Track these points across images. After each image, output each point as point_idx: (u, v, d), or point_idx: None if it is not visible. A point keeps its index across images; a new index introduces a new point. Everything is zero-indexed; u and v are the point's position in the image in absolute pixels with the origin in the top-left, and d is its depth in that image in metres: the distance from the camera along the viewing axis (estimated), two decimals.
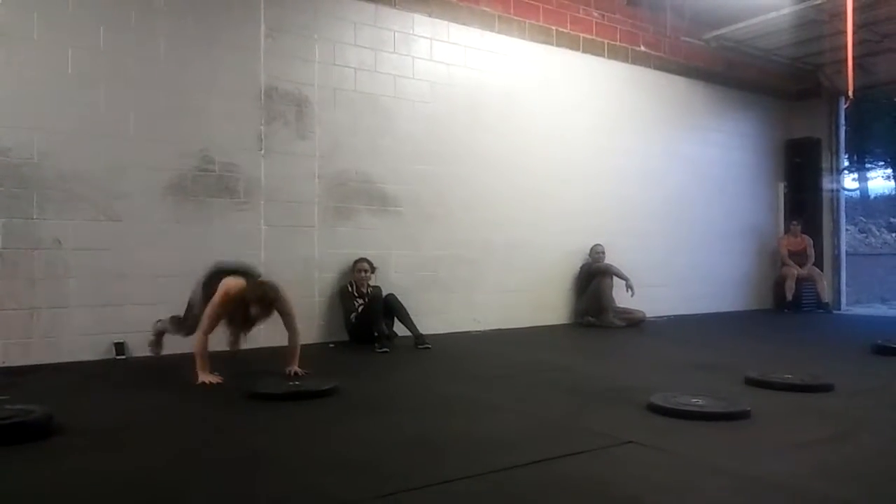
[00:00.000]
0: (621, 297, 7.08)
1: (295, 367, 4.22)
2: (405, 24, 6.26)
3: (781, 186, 9.58)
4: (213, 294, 4.03)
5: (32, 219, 4.63)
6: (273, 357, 4.48)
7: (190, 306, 4.35)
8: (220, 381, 3.95)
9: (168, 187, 5.10)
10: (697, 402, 3.28)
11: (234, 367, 4.22)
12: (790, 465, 2.54)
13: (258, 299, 3.97)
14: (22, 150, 4.60)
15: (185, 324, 4.40)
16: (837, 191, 9.56)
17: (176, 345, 4.86)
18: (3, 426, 2.74)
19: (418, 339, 5.49)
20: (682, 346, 5.94)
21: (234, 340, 4.55)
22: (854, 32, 5.86)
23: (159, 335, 4.72)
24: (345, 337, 5.70)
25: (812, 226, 9.30)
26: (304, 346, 4.47)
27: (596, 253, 7.24)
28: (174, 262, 5.04)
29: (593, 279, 7.10)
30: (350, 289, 5.72)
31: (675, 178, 8.24)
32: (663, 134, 8.17)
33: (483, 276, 6.66)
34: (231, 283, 4.04)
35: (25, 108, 4.62)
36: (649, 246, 7.84)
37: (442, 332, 6.10)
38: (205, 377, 3.94)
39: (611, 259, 7.23)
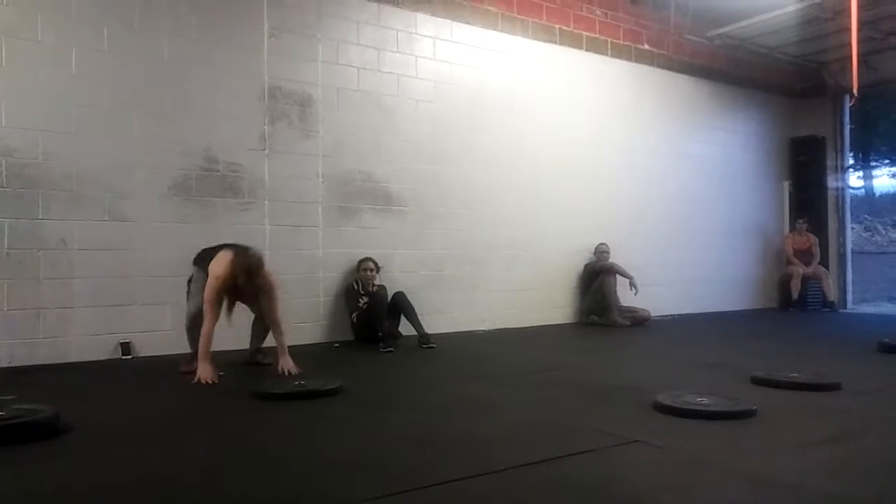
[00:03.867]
0: (626, 296, 7.07)
1: (288, 364, 4.20)
2: (408, 24, 6.26)
3: (786, 185, 9.55)
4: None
5: (38, 219, 4.64)
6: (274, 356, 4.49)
7: (190, 293, 4.38)
8: (216, 380, 3.93)
9: (172, 187, 5.11)
10: (703, 401, 3.27)
11: (238, 367, 4.22)
12: (797, 464, 2.53)
13: (243, 269, 4.02)
14: (27, 150, 4.61)
15: (195, 313, 4.26)
16: (843, 189, 9.54)
17: (181, 345, 4.88)
18: (11, 426, 2.75)
19: (423, 338, 5.49)
20: (688, 344, 5.93)
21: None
22: (858, 30, 5.84)
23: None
24: (350, 336, 5.71)
25: (817, 224, 9.27)
26: (310, 346, 4.51)
27: (600, 252, 7.23)
28: (179, 262, 5.03)
29: (597, 278, 7.10)
30: (355, 287, 5.72)
31: (679, 176, 8.23)
32: (667, 132, 8.15)
33: (487, 275, 6.66)
34: (220, 260, 4.09)
35: (30, 109, 4.64)
36: (654, 245, 7.83)
37: (446, 331, 6.11)
38: (205, 372, 3.91)
39: (616, 258, 7.22)
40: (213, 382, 3.91)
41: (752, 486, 2.30)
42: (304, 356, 4.54)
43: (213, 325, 4.03)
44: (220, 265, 4.08)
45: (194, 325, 4.20)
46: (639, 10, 7.85)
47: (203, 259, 4.29)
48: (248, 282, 4.07)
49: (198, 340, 4.07)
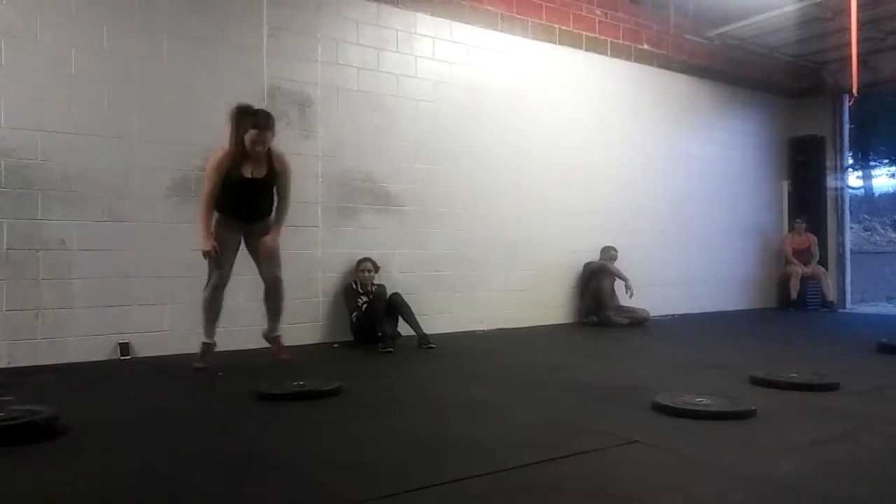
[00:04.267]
0: (625, 297, 7.07)
1: (273, 241, 4.41)
2: (408, 23, 6.26)
3: (785, 185, 9.55)
4: None
5: (37, 219, 4.64)
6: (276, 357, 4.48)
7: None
8: (216, 250, 4.19)
9: (172, 187, 5.11)
10: (702, 402, 3.27)
11: (238, 368, 4.22)
12: (796, 464, 2.53)
13: (251, 143, 4.15)
14: (26, 150, 4.60)
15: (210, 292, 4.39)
16: (842, 189, 9.54)
17: (180, 345, 4.88)
18: (10, 427, 2.75)
19: (422, 338, 5.49)
20: (687, 345, 5.93)
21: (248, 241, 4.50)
22: (858, 30, 5.84)
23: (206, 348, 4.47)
24: (349, 337, 5.71)
25: (816, 224, 9.27)
26: (309, 346, 4.49)
27: (606, 254, 7.21)
28: (178, 263, 5.05)
29: (592, 278, 7.10)
30: (354, 287, 5.72)
31: (678, 176, 8.23)
32: (666, 132, 8.15)
33: (487, 275, 6.65)
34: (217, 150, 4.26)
35: (29, 109, 4.63)
36: (653, 244, 7.83)
37: (446, 331, 6.10)
38: (206, 243, 4.15)
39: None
40: (215, 252, 4.16)
41: (751, 487, 2.30)
42: (303, 357, 4.54)
43: (208, 204, 4.24)
44: (218, 152, 4.29)
45: (209, 306, 4.35)
46: (638, 10, 7.85)
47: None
48: (260, 140, 4.18)
49: (211, 322, 4.34)
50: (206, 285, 4.36)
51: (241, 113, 4.19)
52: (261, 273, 4.53)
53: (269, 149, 4.28)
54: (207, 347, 4.41)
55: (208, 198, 4.24)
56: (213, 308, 4.38)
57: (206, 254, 4.23)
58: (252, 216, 4.42)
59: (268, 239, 4.39)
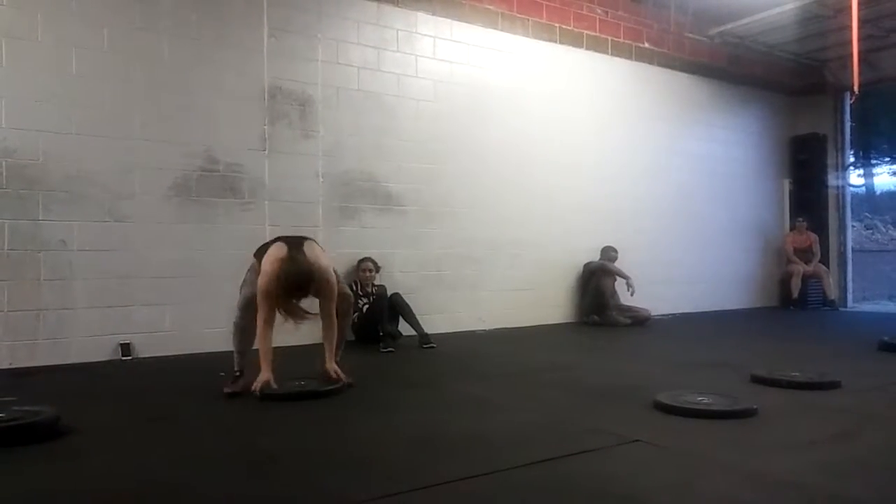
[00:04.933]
0: (626, 296, 7.07)
1: (331, 366, 3.79)
2: (408, 23, 6.26)
3: (787, 183, 9.54)
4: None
5: (38, 220, 4.64)
6: (283, 357, 4.45)
7: (244, 283, 3.85)
8: (275, 386, 3.54)
9: (172, 187, 5.11)
10: (704, 401, 3.27)
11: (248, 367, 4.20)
12: (798, 463, 2.53)
13: (289, 276, 3.48)
14: (27, 151, 4.61)
15: (243, 313, 3.80)
16: (843, 187, 9.53)
17: (181, 345, 4.88)
18: (11, 427, 2.75)
19: (423, 338, 5.49)
20: (688, 343, 5.92)
21: (293, 319, 3.65)
22: (859, 27, 5.84)
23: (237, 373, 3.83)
24: (350, 337, 5.69)
25: (818, 223, 9.26)
26: (310, 346, 4.46)
27: (606, 253, 7.21)
28: (179, 263, 5.06)
29: (594, 277, 7.10)
30: (354, 288, 5.71)
31: (679, 174, 8.22)
32: (667, 131, 8.14)
33: (488, 274, 6.65)
34: (271, 256, 3.62)
35: (30, 110, 4.63)
36: (654, 243, 7.82)
37: (447, 331, 6.10)
38: (264, 377, 3.52)
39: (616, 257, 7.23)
40: (272, 388, 3.52)
41: (753, 486, 2.30)
42: (305, 356, 4.53)
43: (268, 325, 3.56)
44: (269, 262, 3.59)
45: (240, 329, 3.81)
46: (639, 9, 7.84)
47: (261, 251, 3.84)
48: (298, 287, 3.54)
49: (242, 344, 3.78)
50: (238, 316, 3.82)
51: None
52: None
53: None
54: (239, 375, 3.80)
55: (263, 326, 3.58)
56: (245, 335, 3.83)
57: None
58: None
59: (327, 366, 3.81)
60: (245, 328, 3.80)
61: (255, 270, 3.78)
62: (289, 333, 3.95)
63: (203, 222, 5.20)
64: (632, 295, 6.98)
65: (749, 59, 8.80)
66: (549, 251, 7.09)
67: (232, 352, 3.86)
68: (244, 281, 3.86)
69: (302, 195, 5.67)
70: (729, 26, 7.88)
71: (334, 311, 3.85)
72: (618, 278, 7.10)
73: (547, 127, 7.08)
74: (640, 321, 6.99)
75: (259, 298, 3.58)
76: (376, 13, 6.08)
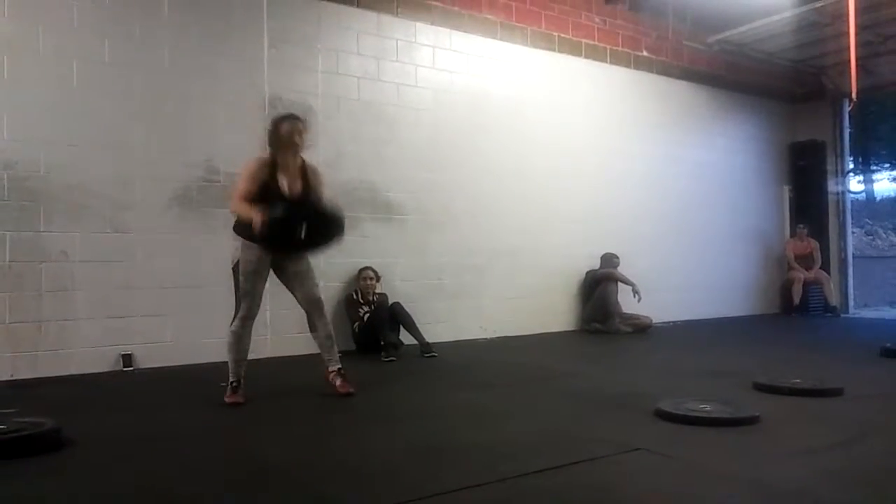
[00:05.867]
0: (628, 303, 7.06)
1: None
2: (408, 33, 6.28)
3: (787, 190, 9.55)
4: None
5: (39, 231, 4.65)
6: (285, 368, 4.46)
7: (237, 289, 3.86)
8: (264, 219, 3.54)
9: (174, 198, 5.12)
10: (706, 408, 3.26)
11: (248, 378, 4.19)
12: (800, 470, 2.53)
13: (289, 133, 3.81)
14: (28, 163, 4.62)
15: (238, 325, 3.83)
16: (843, 193, 9.54)
17: (183, 356, 4.88)
18: (13, 439, 2.75)
19: (424, 347, 5.48)
20: (690, 351, 5.91)
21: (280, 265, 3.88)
22: (857, 34, 5.86)
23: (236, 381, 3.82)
24: (351, 346, 5.70)
25: (818, 229, 9.26)
26: (311, 356, 4.44)
27: (607, 260, 7.21)
28: (180, 273, 5.06)
29: (598, 285, 7.09)
30: (355, 297, 5.72)
31: (679, 182, 8.23)
32: (667, 139, 8.16)
33: (489, 283, 6.65)
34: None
35: (31, 121, 4.65)
36: (655, 251, 7.82)
37: (448, 340, 6.09)
38: (257, 218, 3.52)
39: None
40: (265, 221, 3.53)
41: (755, 494, 2.29)
42: (305, 366, 4.53)
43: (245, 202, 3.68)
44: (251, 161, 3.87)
45: (237, 336, 3.79)
46: (637, 17, 7.88)
47: (239, 225, 3.82)
48: (290, 145, 3.84)
49: (239, 352, 3.77)
50: (234, 318, 3.83)
51: (278, 118, 3.97)
52: (298, 299, 3.99)
53: (304, 162, 3.97)
54: (238, 385, 3.80)
55: (242, 196, 3.73)
56: (242, 344, 3.82)
57: (260, 225, 3.54)
58: None
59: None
60: (241, 336, 3.81)
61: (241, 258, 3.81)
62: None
63: (204, 233, 5.20)
64: (638, 302, 6.96)
65: (747, 67, 8.84)
66: (550, 259, 7.09)
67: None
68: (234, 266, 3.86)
69: None
70: (727, 34, 7.91)
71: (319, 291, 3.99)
72: (620, 286, 7.10)
73: (546, 135, 7.09)
74: (641, 329, 6.99)
75: (242, 183, 3.79)
76: (376, 23, 6.11)
